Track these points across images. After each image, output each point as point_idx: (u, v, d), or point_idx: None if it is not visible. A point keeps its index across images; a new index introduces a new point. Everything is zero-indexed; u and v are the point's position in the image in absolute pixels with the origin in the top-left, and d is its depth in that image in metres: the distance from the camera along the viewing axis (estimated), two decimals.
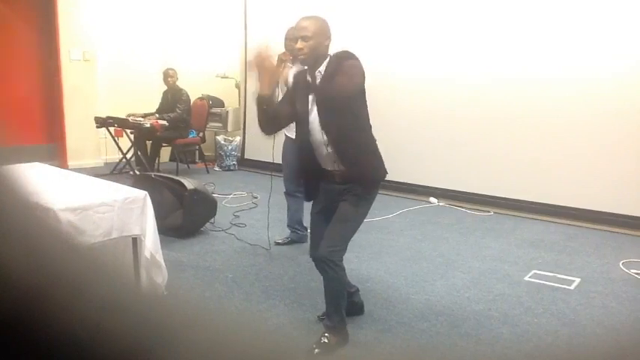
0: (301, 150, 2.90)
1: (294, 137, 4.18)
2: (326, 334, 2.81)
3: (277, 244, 4.39)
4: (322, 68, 2.69)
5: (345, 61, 2.63)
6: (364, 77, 2.64)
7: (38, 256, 0.30)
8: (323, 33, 2.69)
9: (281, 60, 3.98)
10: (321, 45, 2.68)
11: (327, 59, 2.70)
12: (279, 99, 4.03)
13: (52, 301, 0.28)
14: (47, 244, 0.32)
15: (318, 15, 2.76)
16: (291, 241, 4.44)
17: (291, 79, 3.78)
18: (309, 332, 2.94)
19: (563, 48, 5.16)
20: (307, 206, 4.47)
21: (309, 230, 4.32)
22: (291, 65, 4.01)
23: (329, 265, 2.70)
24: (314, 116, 2.73)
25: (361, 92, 2.71)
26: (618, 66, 4.88)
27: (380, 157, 2.85)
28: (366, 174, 2.80)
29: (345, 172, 2.75)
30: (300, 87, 2.79)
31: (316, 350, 2.74)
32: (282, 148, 4.33)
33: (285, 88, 4.06)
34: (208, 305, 0.34)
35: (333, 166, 2.77)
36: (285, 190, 4.40)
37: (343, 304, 2.85)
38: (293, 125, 4.13)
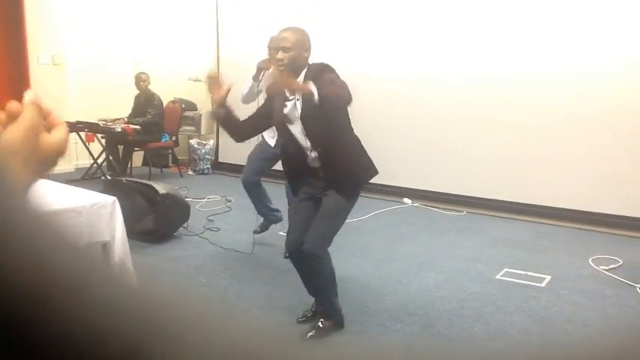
0: (283, 151, 3.01)
1: (268, 142, 4.19)
2: (321, 320, 2.94)
3: (256, 232, 4.36)
4: (301, 79, 2.72)
5: (328, 74, 2.66)
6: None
7: (38, 256, 0.30)
8: (303, 44, 2.73)
9: (260, 68, 4.02)
10: (301, 56, 2.72)
11: (305, 69, 2.74)
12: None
13: (51, 301, 0.28)
14: (47, 243, 0.32)
15: (298, 26, 2.81)
16: (265, 227, 4.42)
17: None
18: (283, 335, 2.93)
19: (538, 49, 5.24)
20: (274, 196, 4.49)
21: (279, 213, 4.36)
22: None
23: (315, 260, 2.81)
24: (296, 124, 2.78)
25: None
26: (592, 68, 4.97)
27: (366, 158, 2.92)
28: (349, 179, 2.86)
29: (329, 174, 2.82)
30: (278, 97, 2.81)
31: (310, 334, 2.86)
32: (254, 147, 4.32)
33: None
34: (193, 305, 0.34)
35: (318, 164, 2.83)
36: (244, 186, 4.30)
37: (333, 291, 2.95)
38: (273, 133, 4.20)
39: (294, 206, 3.06)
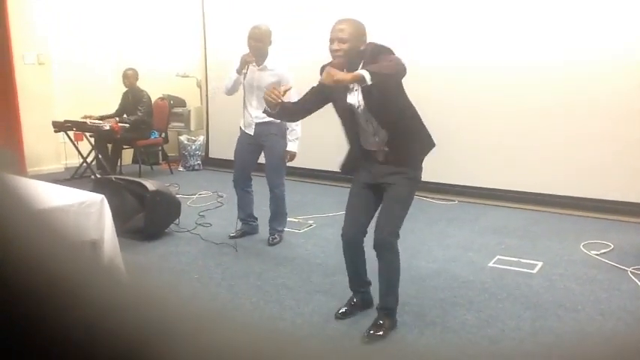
0: (348, 135, 2.95)
1: (247, 131, 4.23)
2: (380, 321, 2.84)
3: (231, 237, 4.40)
4: (360, 66, 2.70)
5: (384, 56, 2.67)
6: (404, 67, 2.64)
7: (38, 255, 0.30)
8: (359, 36, 2.74)
9: (245, 61, 4.02)
10: (357, 48, 2.73)
11: (362, 63, 2.70)
12: (244, 92, 4.16)
13: (51, 300, 0.28)
14: (47, 242, 0.32)
15: (354, 18, 2.81)
16: (243, 233, 4.47)
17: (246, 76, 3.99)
18: (274, 329, 2.92)
19: (526, 36, 5.23)
20: (258, 201, 4.50)
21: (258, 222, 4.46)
22: (254, 66, 4.03)
23: (388, 248, 2.79)
24: (359, 111, 2.79)
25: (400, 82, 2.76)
26: (583, 56, 4.96)
27: (424, 132, 2.91)
28: (410, 159, 2.90)
29: (390, 157, 2.83)
30: (338, 88, 2.77)
31: (370, 334, 2.78)
32: (237, 142, 4.36)
33: (248, 86, 4.12)
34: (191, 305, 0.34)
35: (378, 147, 2.85)
36: (234, 184, 4.42)
37: (398, 283, 2.89)
38: (250, 120, 4.21)
39: (353, 194, 3.02)
